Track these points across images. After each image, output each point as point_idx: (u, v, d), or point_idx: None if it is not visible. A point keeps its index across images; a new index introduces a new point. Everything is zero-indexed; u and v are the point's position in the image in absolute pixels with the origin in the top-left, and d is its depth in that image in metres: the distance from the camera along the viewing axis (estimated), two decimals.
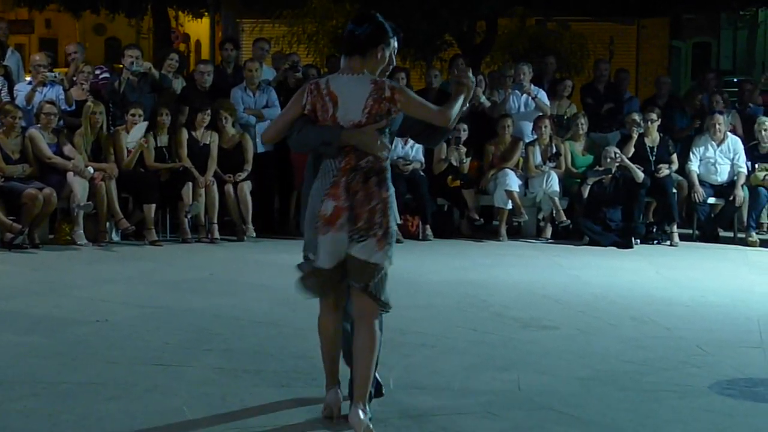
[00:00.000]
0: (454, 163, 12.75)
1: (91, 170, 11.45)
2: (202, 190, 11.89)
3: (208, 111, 12.23)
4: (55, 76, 12.30)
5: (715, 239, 12.98)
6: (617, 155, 12.48)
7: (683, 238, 12.74)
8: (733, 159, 12.87)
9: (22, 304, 8.28)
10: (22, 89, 12.28)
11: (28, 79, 12.78)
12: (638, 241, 12.43)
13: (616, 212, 12.49)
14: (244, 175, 12.18)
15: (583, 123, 13.23)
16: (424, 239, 12.25)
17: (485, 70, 18.63)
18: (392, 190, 5.17)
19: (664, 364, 6.79)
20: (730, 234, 13.05)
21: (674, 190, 12.77)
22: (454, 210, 13.26)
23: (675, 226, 12.68)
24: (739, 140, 12.97)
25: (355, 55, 5.17)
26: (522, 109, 13.50)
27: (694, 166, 12.89)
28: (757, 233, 12.79)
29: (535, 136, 13.14)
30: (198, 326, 7.58)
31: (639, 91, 19.03)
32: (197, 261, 10.81)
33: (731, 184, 12.79)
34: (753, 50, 28.29)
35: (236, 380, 6.14)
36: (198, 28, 33.03)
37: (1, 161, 11.27)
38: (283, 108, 12.66)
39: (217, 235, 11.95)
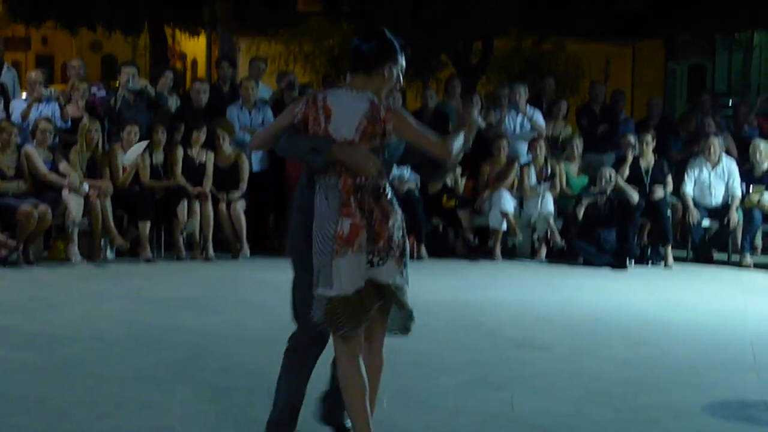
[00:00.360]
0: (449, 183, 12.77)
1: (86, 187, 11.46)
2: (197, 209, 11.90)
3: (204, 129, 12.26)
4: (51, 93, 12.33)
5: (710, 261, 13.00)
6: (612, 176, 12.51)
7: (677, 259, 12.74)
8: (727, 181, 12.89)
9: (15, 321, 8.27)
10: (18, 106, 12.32)
11: (24, 95, 12.81)
12: (632, 262, 12.45)
13: (611, 233, 12.50)
14: (238, 194, 12.19)
15: (578, 144, 13.27)
16: (418, 259, 12.25)
17: (481, 90, 18.69)
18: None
19: (658, 385, 6.79)
20: (725, 256, 13.06)
21: (669, 212, 12.79)
22: (449, 230, 13.27)
23: (669, 248, 12.68)
24: (734, 162, 12.99)
25: (359, 72, 4.91)
26: (517, 129, 13.52)
27: (689, 188, 12.92)
28: (751, 256, 12.82)
29: (531, 157, 13.17)
30: (191, 344, 7.58)
31: (634, 113, 19.07)
32: (191, 279, 10.81)
33: (726, 207, 12.81)
34: (748, 73, 28.36)
35: (229, 398, 6.14)
36: (194, 46, 33.10)
37: None
38: None
39: (211, 253, 11.95)
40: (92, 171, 11.77)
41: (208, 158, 12.23)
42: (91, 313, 8.72)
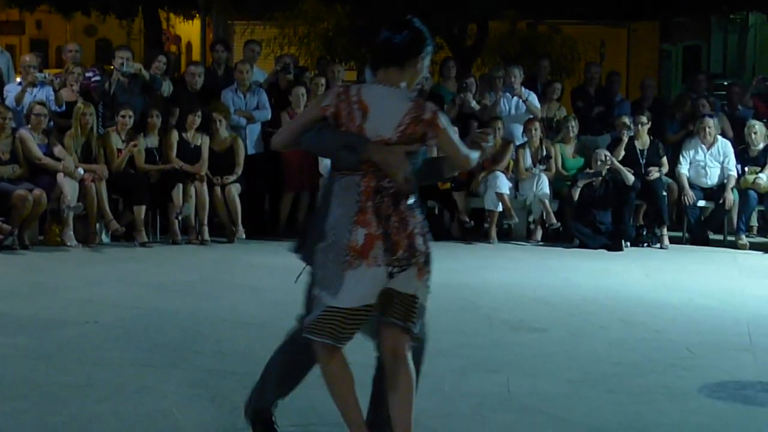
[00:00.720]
0: None
1: (81, 171, 11.44)
2: (192, 192, 11.89)
3: (199, 113, 12.23)
4: (46, 77, 12.31)
5: (705, 242, 13.00)
6: (607, 158, 12.50)
7: (673, 240, 12.76)
8: (722, 162, 12.89)
9: (10, 305, 8.26)
10: (12, 90, 12.28)
11: (18, 79, 12.77)
12: (628, 243, 12.45)
13: (606, 215, 12.51)
14: (232, 178, 12.18)
15: (573, 126, 13.25)
16: None
17: (476, 73, 18.64)
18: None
19: (653, 367, 6.80)
20: (720, 237, 13.06)
21: (664, 193, 12.79)
22: (444, 212, 13.26)
23: (665, 229, 12.69)
24: (728, 143, 12.99)
25: (393, 66, 4.53)
26: (513, 111, 13.51)
27: (684, 169, 12.92)
28: (747, 236, 12.82)
29: (526, 139, 13.16)
30: (187, 328, 7.57)
31: (630, 94, 19.03)
32: (187, 262, 10.80)
33: (721, 187, 12.82)
34: (743, 54, 28.36)
35: (225, 382, 6.13)
36: (189, 30, 33.03)
37: None
38: (276, 110, 12.79)
39: (207, 236, 11.94)
40: (87, 155, 11.75)
41: (203, 142, 12.20)
42: (86, 297, 8.70)
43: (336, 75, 13.71)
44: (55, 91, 12.18)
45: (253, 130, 12.87)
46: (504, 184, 12.56)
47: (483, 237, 12.75)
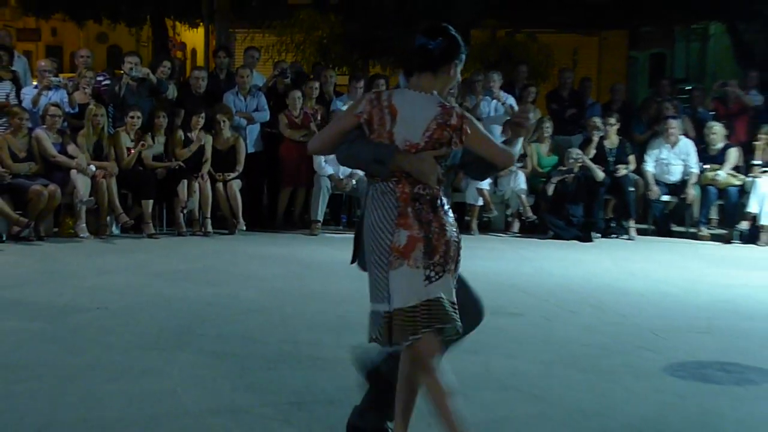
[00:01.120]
0: None
1: (93, 168, 11.41)
2: (197, 188, 11.87)
3: (203, 114, 12.21)
4: (60, 81, 12.28)
5: (669, 234, 13.03)
6: (579, 156, 12.51)
7: (640, 232, 12.79)
8: (685, 160, 12.90)
9: (26, 293, 8.22)
10: (28, 93, 12.23)
11: (34, 83, 12.73)
12: (598, 235, 12.47)
13: (578, 208, 12.52)
14: (234, 174, 12.15)
15: (548, 126, 13.26)
16: None
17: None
18: None
19: (620, 348, 6.80)
20: (683, 229, 13.08)
21: (632, 189, 12.80)
22: None
23: (632, 222, 12.72)
24: (690, 143, 13.00)
25: (427, 71, 4.27)
26: (492, 113, 13.49)
27: (650, 166, 12.94)
28: (707, 228, 12.84)
29: (504, 138, 13.13)
30: (191, 313, 7.54)
31: (600, 98, 18.99)
32: (191, 253, 10.76)
33: (683, 183, 12.84)
34: (704, 60, 28.38)
35: (226, 363, 6.11)
36: (194, 37, 32.87)
37: (9, 159, 11.24)
38: (274, 112, 12.76)
39: (210, 228, 11.91)
40: (98, 153, 11.72)
41: (206, 141, 12.16)
42: (97, 284, 8.67)
43: (328, 80, 13.71)
44: (69, 94, 12.14)
45: (253, 131, 12.85)
46: (484, 180, 12.55)
47: (465, 229, 12.71)
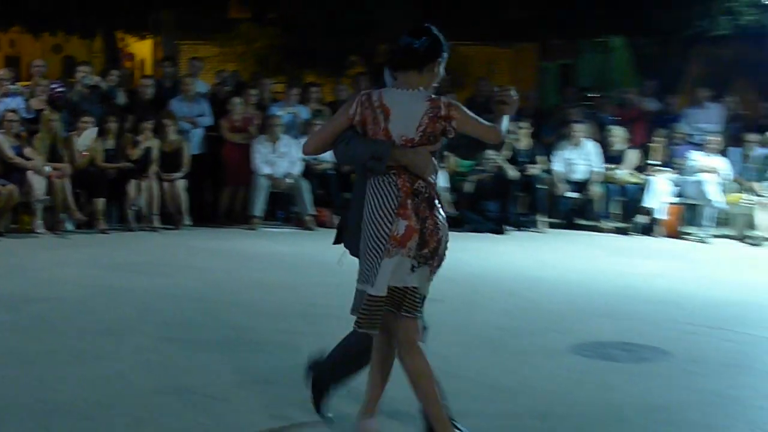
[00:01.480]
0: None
1: (49, 169, 11.26)
2: (145, 186, 11.76)
3: (150, 119, 12.10)
4: (17, 89, 12.13)
5: (575, 227, 13.18)
6: (494, 157, 12.59)
7: (549, 226, 12.90)
8: (589, 160, 13.07)
9: None
10: None
11: None
12: (512, 228, 12.57)
13: (494, 204, 12.61)
14: (179, 174, 12.06)
15: None
16: (332, 227, 12.23)
17: None
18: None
19: (531, 330, 6.90)
20: (587, 222, 13.24)
21: (541, 186, 12.92)
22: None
23: (542, 216, 12.85)
24: (594, 144, 13.16)
25: (412, 70, 4.17)
26: None
27: (557, 166, 13.07)
28: (609, 221, 13.02)
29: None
30: (140, 302, 7.50)
31: None
32: (140, 246, 10.68)
33: (587, 181, 13.00)
34: (608, 71, 28.79)
35: (173, 347, 6.10)
36: (142, 48, 32.44)
37: None
38: (216, 117, 12.70)
39: (157, 224, 11.81)
40: (53, 155, 11.55)
41: (154, 144, 12.06)
42: (53, 276, 8.58)
43: (266, 87, 13.73)
44: (26, 101, 11.99)
45: (197, 134, 12.76)
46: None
47: None
